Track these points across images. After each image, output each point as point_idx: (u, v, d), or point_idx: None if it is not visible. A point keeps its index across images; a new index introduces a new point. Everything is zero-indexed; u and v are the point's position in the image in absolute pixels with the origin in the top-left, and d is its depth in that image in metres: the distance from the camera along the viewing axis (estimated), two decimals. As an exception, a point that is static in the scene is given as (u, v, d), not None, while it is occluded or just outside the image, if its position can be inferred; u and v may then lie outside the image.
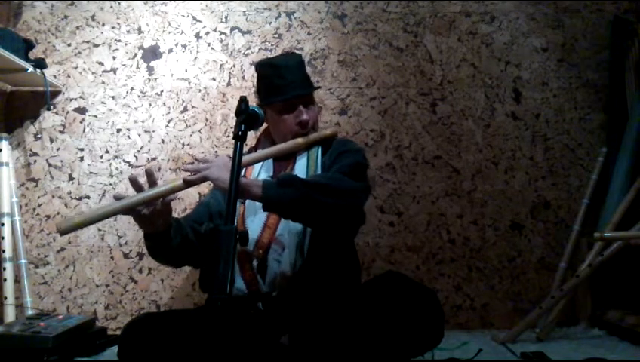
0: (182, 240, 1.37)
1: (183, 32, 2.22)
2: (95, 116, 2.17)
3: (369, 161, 1.59)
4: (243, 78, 2.20)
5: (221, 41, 2.22)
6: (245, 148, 1.34)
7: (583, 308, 2.06)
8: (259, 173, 1.52)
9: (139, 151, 2.17)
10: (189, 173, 1.31)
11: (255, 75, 1.64)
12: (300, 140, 1.51)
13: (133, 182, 1.27)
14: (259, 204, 1.31)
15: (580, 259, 2.03)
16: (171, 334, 1.21)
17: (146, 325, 1.25)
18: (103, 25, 2.21)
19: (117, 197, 1.27)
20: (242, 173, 1.46)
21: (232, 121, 2.13)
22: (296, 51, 2.21)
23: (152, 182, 1.28)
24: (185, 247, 1.39)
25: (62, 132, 2.16)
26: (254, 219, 1.42)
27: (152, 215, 1.27)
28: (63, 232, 1.22)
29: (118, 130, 2.17)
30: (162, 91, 2.20)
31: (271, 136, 1.60)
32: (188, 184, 1.29)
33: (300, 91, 1.53)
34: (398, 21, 2.25)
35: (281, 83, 1.52)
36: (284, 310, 1.35)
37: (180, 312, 1.48)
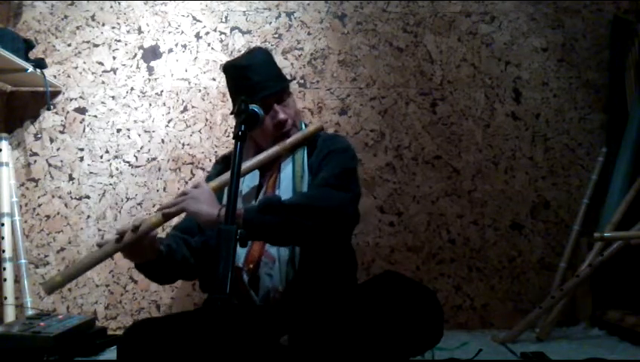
0: (174, 262, 1.37)
1: (183, 32, 2.22)
2: (95, 116, 2.17)
3: (358, 160, 1.52)
4: (243, 78, 2.20)
5: (221, 41, 2.22)
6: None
7: (583, 308, 2.06)
8: (243, 182, 1.45)
9: (139, 151, 2.17)
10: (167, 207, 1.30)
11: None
12: (281, 146, 1.44)
13: (120, 233, 1.26)
14: None
15: (580, 259, 2.03)
16: (171, 338, 1.20)
17: (144, 331, 1.24)
18: (103, 25, 2.21)
19: (99, 245, 1.27)
20: (224, 190, 1.39)
21: (232, 121, 2.13)
22: (296, 51, 2.21)
23: (135, 227, 1.26)
24: (178, 267, 1.39)
25: (62, 132, 2.16)
26: None
27: (138, 250, 1.28)
28: (48, 292, 1.25)
29: (118, 130, 2.17)
30: (162, 91, 2.20)
31: (253, 140, 1.51)
32: (167, 217, 1.29)
33: (270, 90, 1.44)
34: (398, 21, 2.25)
35: (247, 84, 1.43)
36: (283, 313, 1.35)
37: (179, 315, 1.48)
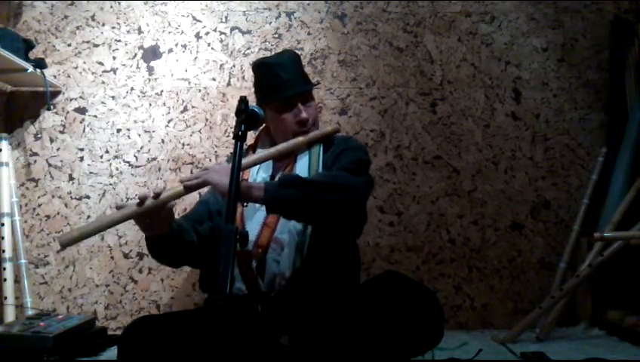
0: (183, 242, 1.37)
1: (183, 32, 2.22)
2: (95, 116, 2.17)
3: (371, 159, 1.57)
4: (243, 78, 2.20)
5: (221, 41, 2.22)
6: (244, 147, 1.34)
7: (583, 308, 2.07)
8: (257, 172, 1.51)
9: (139, 151, 2.17)
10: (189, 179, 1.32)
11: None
12: (301, 139, 1.49)
13: (141, 198, 1.27)
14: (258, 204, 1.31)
15: (580, 259, 2.03)
16: (171, 336, 1.20)
17: (144, 328, 1.24)
18: (103, 25, 2.21)
19: (118, 207, 1.28)
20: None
21: (232, 121, 2.13)
22: (297, 51, 2.21)
23: (156, 194, 1.28)
24: (186, 249, 1.39)
25: (62, 132, 2.16)
26: (253, 218, 1.42)
27: (153, 219, 1.28)
28: (63, 246, 1.25)
29: (118, 130, 2.17)
30: (162, 91, 2.20)
31: (270, 135, 1.58)
32: (188, 189, 1.31)
33: (297, 89, 1.51)
34: (398, 21, 2.25)
35: (277, 82, 1.50)
36: (284, 310, 1.35)
37: (179, 314, 1.48)
